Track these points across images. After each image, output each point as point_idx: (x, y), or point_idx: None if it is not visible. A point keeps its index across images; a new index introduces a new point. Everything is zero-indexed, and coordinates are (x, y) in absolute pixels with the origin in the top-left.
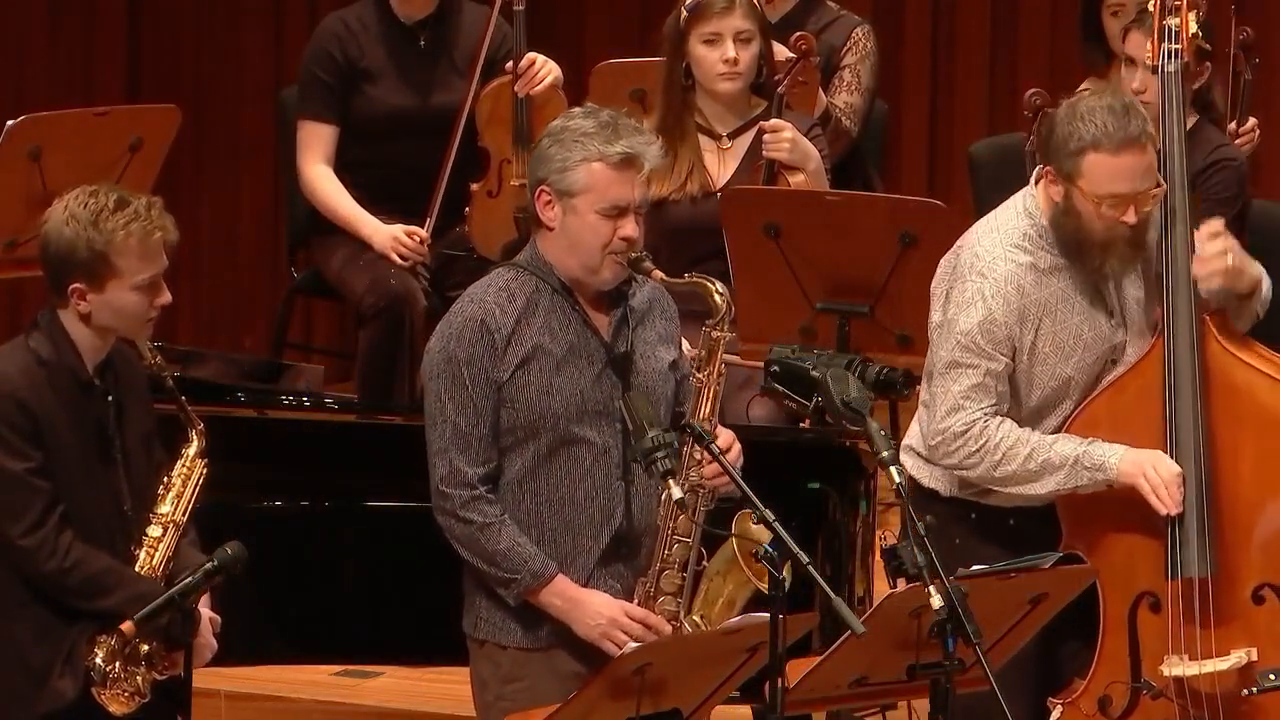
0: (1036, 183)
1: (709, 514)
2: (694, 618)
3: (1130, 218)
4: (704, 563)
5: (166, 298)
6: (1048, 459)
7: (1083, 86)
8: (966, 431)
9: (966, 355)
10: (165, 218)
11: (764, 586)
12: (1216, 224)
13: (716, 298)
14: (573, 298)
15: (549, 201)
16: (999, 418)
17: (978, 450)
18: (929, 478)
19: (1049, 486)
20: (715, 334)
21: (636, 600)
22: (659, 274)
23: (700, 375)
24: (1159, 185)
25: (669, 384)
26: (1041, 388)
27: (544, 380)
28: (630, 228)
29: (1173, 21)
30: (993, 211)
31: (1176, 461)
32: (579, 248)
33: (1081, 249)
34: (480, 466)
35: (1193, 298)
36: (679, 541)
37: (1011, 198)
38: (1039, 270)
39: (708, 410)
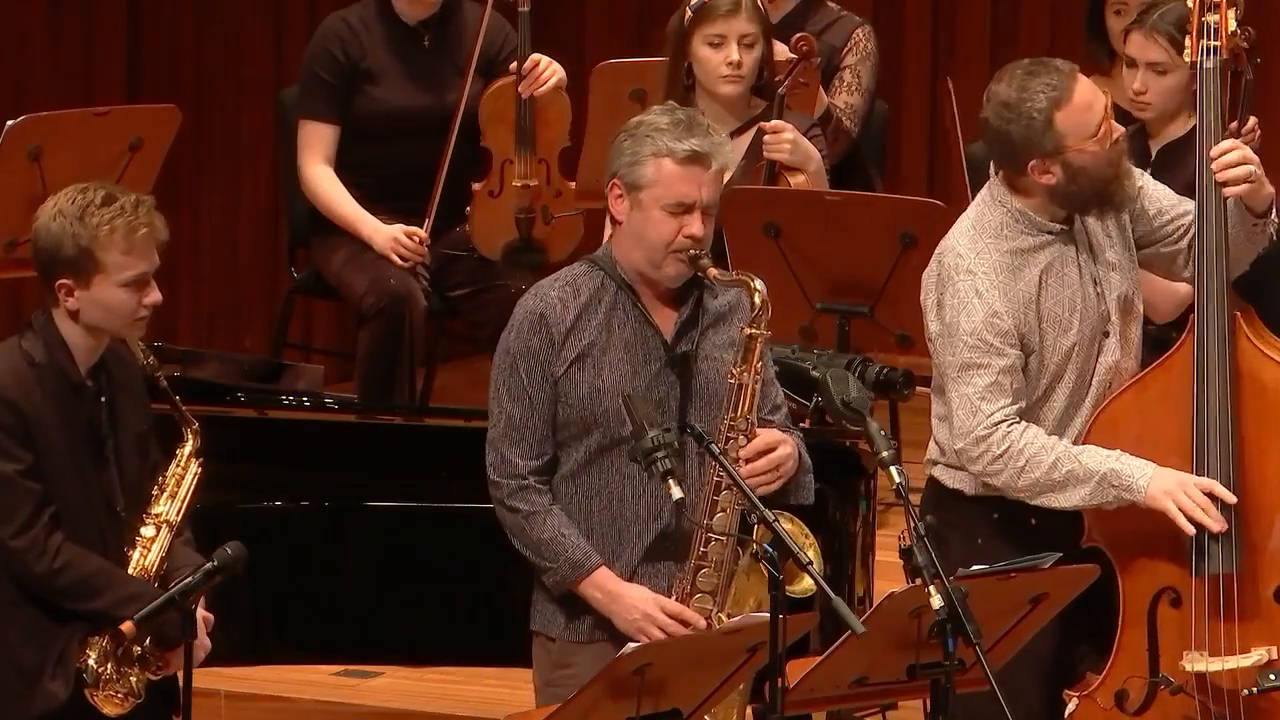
0: (997, 172)
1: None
2: (722, 616)
3: (1117, 128)
4: (739, 561)
5: (156, 297)
6: (1072, 470)
7: None
8: (989, 436)
9: (975, 354)
10: (153, 215)
11: (792, 588)
12: (1233, 141)
13: (755, 295)
14: (634, 294)
15: (619, 195)
16: (1022, 424)
17: (1001, 456)
18: (952, 480)
19: (1074, 500)
20: (751, 331)
21: (674, 598)
22: (714, 270)
23: (737, 372)
24: (1104, 91)
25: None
26: (1047, 366)
27: (597, 378)
28: (696, 226)
29: (1211, 18)
30: (960, 218)
31: (1204, 460)
32: (643, 243)
33: (1103, 193)
34: (533, 459)
35: (1225, 296)
36: (714, 539)
37: (974, 200)
38: (1023, 252)
39: (746, 408)
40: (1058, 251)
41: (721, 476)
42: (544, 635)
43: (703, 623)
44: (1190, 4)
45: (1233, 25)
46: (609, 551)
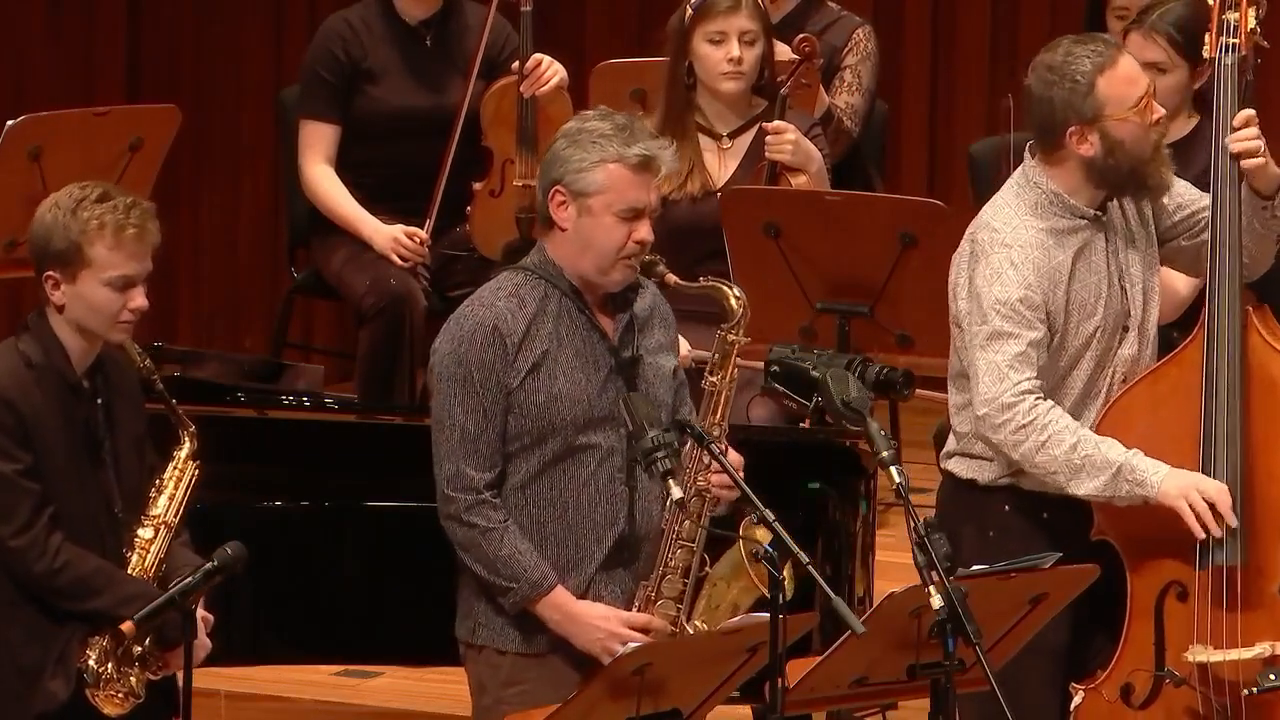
0: (1033, 156)
1: (713, 519)
2: (696, 623)
3: (1158, 110)
4: (706, 569)
5: (141, 303)
6: (1090, 455)
7: None
8: (1016, 404)
9: (1007, 324)
10: (147, 218)
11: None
12: (1248, 113)
13: (732, 301)
14: (582, 301)
15: (563, 202)
16: (1048, 401)
17: (1025, 425)
18: (966, 470)
19: (1087, 488)
20: (730, 338)
21: (637, 605)
22: (672, 277)
23: (714, 379)
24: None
25: (670, 390)
26: (1067, 349)
27: (552, 387)
28: (645, 231)
29: (1231, 16)
30: (991, 200)
31: (1213, 455)
32: (592, 249)
33: (1138, 172)
34: (487, 471)
35: (1237, 291)
36: (682, 546)
37: (1008, 181)
38: (1057, 233)
39: (719, 415)
40: (1089, 237)
41: (693, 483)
42: (492, 649)
43: (669, 628)
44: (1210, 1)
45: (1252, 23)
46: (566, 562)
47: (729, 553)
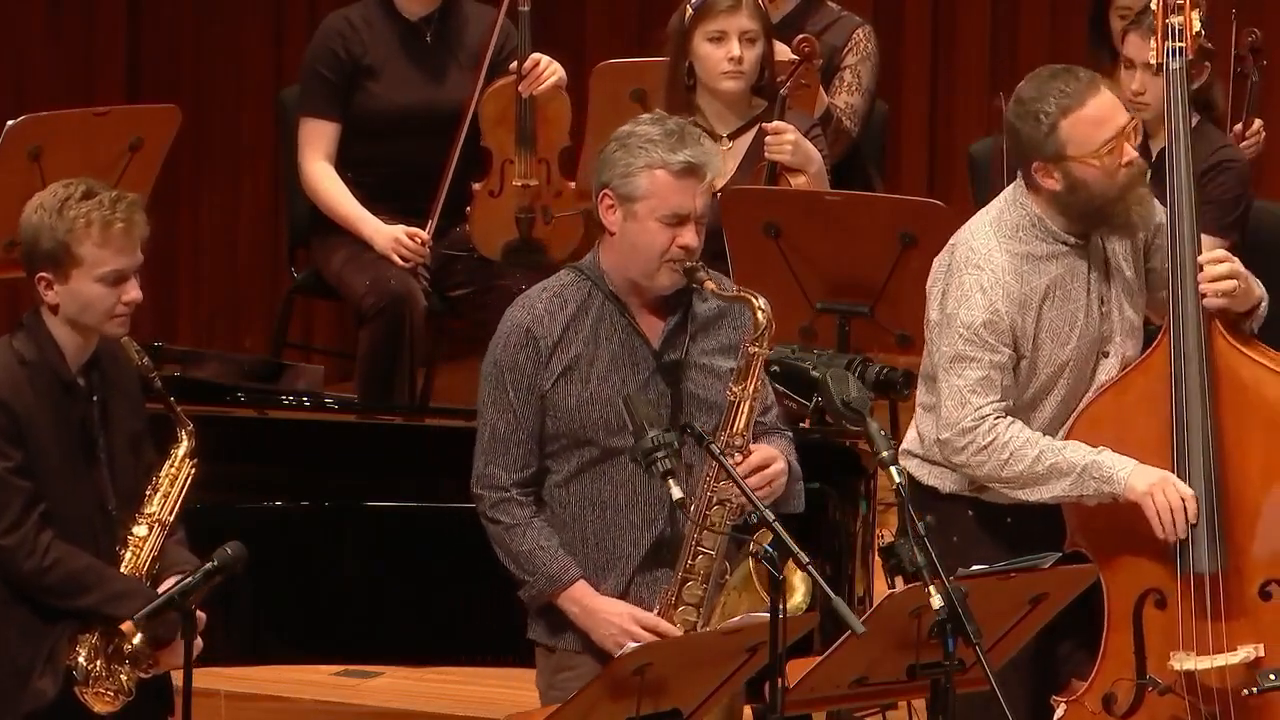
0: (1025, 181)
1: (735, 526)
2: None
3: (1130, 153)
4: (727, 576)
5: (135, 295)
6: (1055, 463)
7: None
8: (975, 428)
9: (970, 348)
10: (133, 211)
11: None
12: (1223, 251)
13: (759, 313)
14: (621, 304)
15: (611, 206)
16: (1008, 418)
17: (986, 447)
18: (928, 475)
19: (1054, 492)
20: (754, 349)
21: (658, 608)
22: (711, 284)
23: (736, 389)
24: (1130, 115)
25: (724, 394)
26: (1038, 374)
27: (585, 390)
28: (689, 236)
29: (1175, 20)
30: (984, 208)
31: (1185, 460)
32: (637, 253)
33: (1103, 212)
34: (515, 471)
35: (1199, 296)
36: (703, 553)
37: (1000, 193)
38: (1035, 258)
39: (742, 425)
40: (1069, 265)
41: (715, 491)
42: (543, 645)
43: (678, 635)
44: (1154, 6)
45: (1197, 26)
46: (604, 562)
47: (741, 564)
